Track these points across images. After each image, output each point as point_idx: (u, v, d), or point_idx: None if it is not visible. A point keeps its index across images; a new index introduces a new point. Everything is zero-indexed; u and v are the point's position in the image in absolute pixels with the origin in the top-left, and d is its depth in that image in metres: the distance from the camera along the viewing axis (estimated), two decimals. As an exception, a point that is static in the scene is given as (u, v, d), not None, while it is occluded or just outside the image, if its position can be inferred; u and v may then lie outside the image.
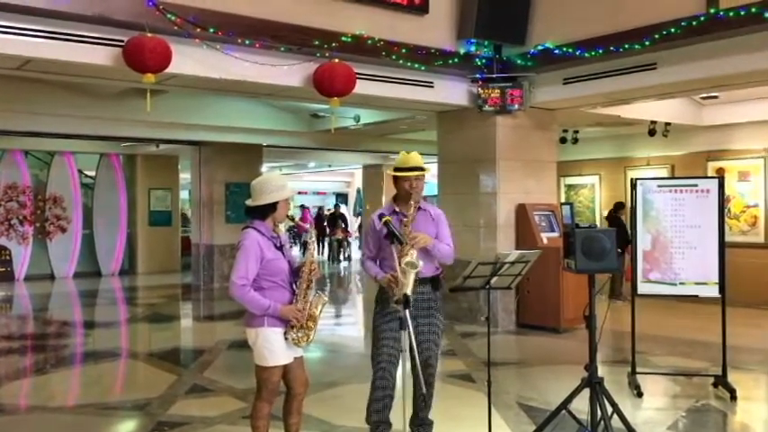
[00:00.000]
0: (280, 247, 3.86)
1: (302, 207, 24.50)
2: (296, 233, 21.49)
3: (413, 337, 3.73)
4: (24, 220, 15.18)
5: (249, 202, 3.85)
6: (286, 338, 3.78)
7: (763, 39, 6.42)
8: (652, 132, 11.07)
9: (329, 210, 24.26)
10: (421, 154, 4.42)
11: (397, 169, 4.34)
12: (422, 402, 4.34)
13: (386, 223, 4.08)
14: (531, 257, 4.25)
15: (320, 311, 3.88)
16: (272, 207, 3.82)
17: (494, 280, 4.23)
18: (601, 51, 7.43)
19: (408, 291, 3.93)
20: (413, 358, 3.72)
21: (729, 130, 11.09)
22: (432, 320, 4.32)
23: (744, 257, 10.33)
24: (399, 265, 4.00)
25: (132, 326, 10.09)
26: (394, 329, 4.20)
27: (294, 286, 3.88)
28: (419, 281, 4.12)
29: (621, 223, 10.56)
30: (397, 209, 4.33)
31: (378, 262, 4.41)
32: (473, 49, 8.37)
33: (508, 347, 8.05)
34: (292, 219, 4.08)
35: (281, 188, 3.84)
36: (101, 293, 13.83)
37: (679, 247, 5.87)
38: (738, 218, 11.02)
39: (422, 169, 4.32)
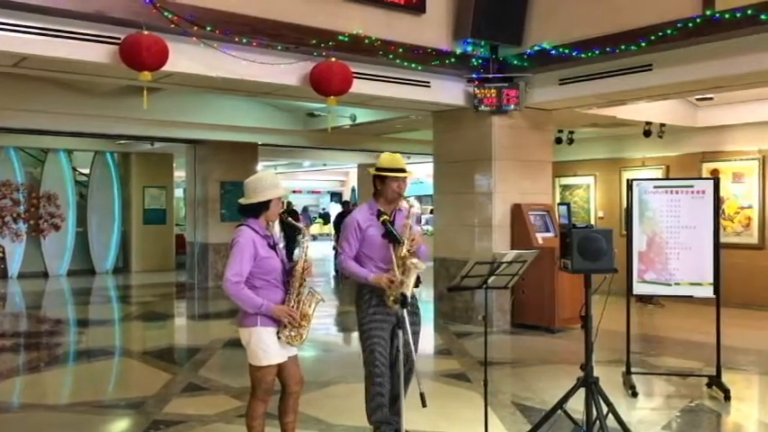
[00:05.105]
0: (273, 246, 3.85)
1: (305, 209, 24.28)
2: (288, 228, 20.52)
3: (410, 336, 3.74)
4: (18, 218, 15.12)
5: (242, 201, 3.86)
6: (279, 338, 3.76)
7: (760, 40, 6.44)
8: (647, 133, 11.09)
9: (323, 209, 23.78)
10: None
11: (385, 170, 4.27)
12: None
13: (384, 222, 4.08)
14: (528, 257, 4.25)
15: (314, 310, 3.87)
16: (264, 205, 3.81)
17: (491, 279, 4.24)
18: (597, 52, 7.45)
19: (408, 291, 3.95)
20: (406, 356, 3.73)
21: (724, 131, 11.12)
22: (415, 319, 4.27)
23: (738, 258, 10.39)
24: (397, 266, 3.99)
25: (126, 324, 10.06)
26: (385, 332, 4.22)
27: (287, 285, 3.88)
28: None
29: None
30: (381, 208, 4.28)
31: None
32: (470, 49, 8.38)
33: (503, 347, 8.06)
34: (285, 217, 4.07)
35: (274, 186, 3.84)
36: (95, 291, 13.81)
37: (674, 247, 5.89)
38: (732, 219, 11.06)
39: (406, 171, 4.30)
